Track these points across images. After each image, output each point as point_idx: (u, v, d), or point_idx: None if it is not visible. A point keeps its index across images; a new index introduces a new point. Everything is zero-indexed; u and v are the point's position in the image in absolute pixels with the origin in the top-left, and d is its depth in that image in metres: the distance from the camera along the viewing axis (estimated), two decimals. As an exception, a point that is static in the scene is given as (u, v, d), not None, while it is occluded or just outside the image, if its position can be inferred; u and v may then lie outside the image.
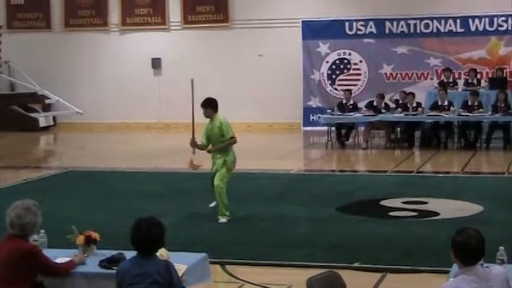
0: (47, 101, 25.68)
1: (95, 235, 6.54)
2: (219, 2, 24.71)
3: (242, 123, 22.67)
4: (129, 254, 5.73)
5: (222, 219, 10.68)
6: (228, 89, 24.08)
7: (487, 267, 5.06)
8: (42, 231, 6.50)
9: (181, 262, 5.91)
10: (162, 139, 22.89)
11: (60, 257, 6.27)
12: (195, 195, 12.77)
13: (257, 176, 14.65)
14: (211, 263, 7.30)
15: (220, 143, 10.66)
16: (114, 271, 5.67)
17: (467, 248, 4.81)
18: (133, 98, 25.22)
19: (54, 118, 25.82)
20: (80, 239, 6.47)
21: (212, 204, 11.01)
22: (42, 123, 25.09)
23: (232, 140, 10.71)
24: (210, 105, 10.82)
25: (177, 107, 24.72)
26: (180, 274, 5.62)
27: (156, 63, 25.30)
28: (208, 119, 10.82)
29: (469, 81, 20.78)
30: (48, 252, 6.16)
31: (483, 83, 20.96)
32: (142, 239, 5.34)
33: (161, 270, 5.32)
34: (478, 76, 21.22)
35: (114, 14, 25.71)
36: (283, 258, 8.71)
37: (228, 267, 8.41)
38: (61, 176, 15.47)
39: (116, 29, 25.81)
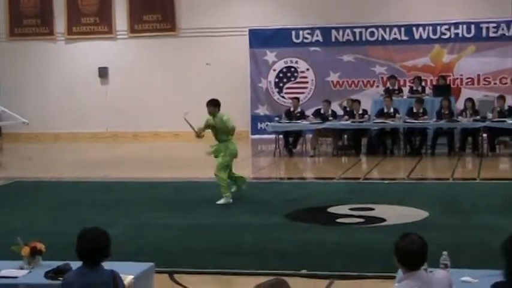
0: (-8, 111, 25.38)
1: (40, 246, 6.50)
2: (165, 10, 24.67)
3: (191, 131, 22.66)
4: (76, 265, 5.70)
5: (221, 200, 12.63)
6: (176, 98, 24.06)
7: (430, 271, 5.15)
8: (-13, 242, 6.44)
9: (127, 272, 5.90)
10: (109, 148, 22.77)
11: (4, 268, 6.22)
12: (143, 204, 12.76)
13: (205, 184, 14.64)
14: (159, 272, 7.31)
15: (224, 133, 12.81)
16: (60, 282, 5.64)
17: (410, 253, 4.89)
18: (80, 107, 25.04)
19: (-1, 128, 25.54)
20: (25, 250, 6.42)
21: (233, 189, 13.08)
22: (-12, 133, 24.79)
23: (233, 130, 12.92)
24: (214, 104, 12.81)
25: (124, 116, 24.67)
26: (126, 284, 5.60)
27: (103, 72, 25.15)
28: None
29: (414, 88, 21.05)
30: (-7, 264, 6.11)
31: (428, 90, 21.24)
32: (87, 250, 5.32)
33: (107, 280, 5.30)
34: (423, 83, 21.52)
35: (60, 23, 25.49)
36: (231, 266, 8.72)
37: (176, 277, 8.40)
38: (7, 187, 15.28)
39: (62, 38, 25.60)
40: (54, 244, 7.44)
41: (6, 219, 11.64)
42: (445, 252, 5.95)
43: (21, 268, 6.41)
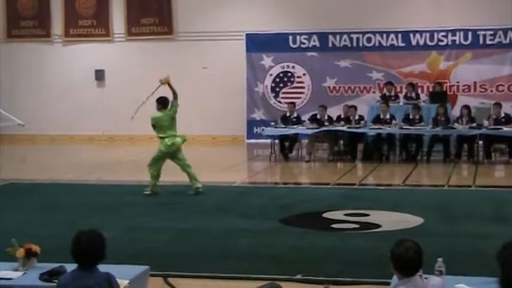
0: (-12, 113, 25.34)
1: (35, 248, 6.49)
2: (163, 14, 24.69)
3: (186, 135, 22.57)
4: (71, 267, 5.69)
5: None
6: (172, 101, 24.01)
7: (425, 278, 5.14)
8: (-18, 244, 6.42)
9: (122, 275, 5.89)
10: (105, 151, 22.74)
11: (-1, 270, 6.22)
12: (138, 207, 12.75)
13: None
14: (154, 275, 7.30)
15: (169, 125, 14.35)
16: (54, 284, 5.63)
17: (405, 259, 4.88)
18: (76, 110, 25.01)
19: (-5, 130, 25.48)
20: (20, 252, 6.41)
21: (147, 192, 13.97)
22: (-17, 135, 24.73)
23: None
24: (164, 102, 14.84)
25: (120, 119, 24.60)
26: (121, 288, 5.60)
27: (99, 75, 25.13)
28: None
29: (408, 95, 21.07)
30: (-12, 266, 6.09)
31: (423, 96, 21.26)
32: (83, 252, 5.31)
33: (102, 283, 5.29)
34: (419, 90, 21.54)
35: (57, 25, 25.49)
36: (226, 270, 8.70)
37: (171, 280, 8.39)
38: (1, 189, 15.24)
39: (59, 40, 25.60)
40: (49, 246, 7.42)
41: (1, 220, 11.62)
42: (440, 259, 5.94)
43: (16, 270, 6.40)
